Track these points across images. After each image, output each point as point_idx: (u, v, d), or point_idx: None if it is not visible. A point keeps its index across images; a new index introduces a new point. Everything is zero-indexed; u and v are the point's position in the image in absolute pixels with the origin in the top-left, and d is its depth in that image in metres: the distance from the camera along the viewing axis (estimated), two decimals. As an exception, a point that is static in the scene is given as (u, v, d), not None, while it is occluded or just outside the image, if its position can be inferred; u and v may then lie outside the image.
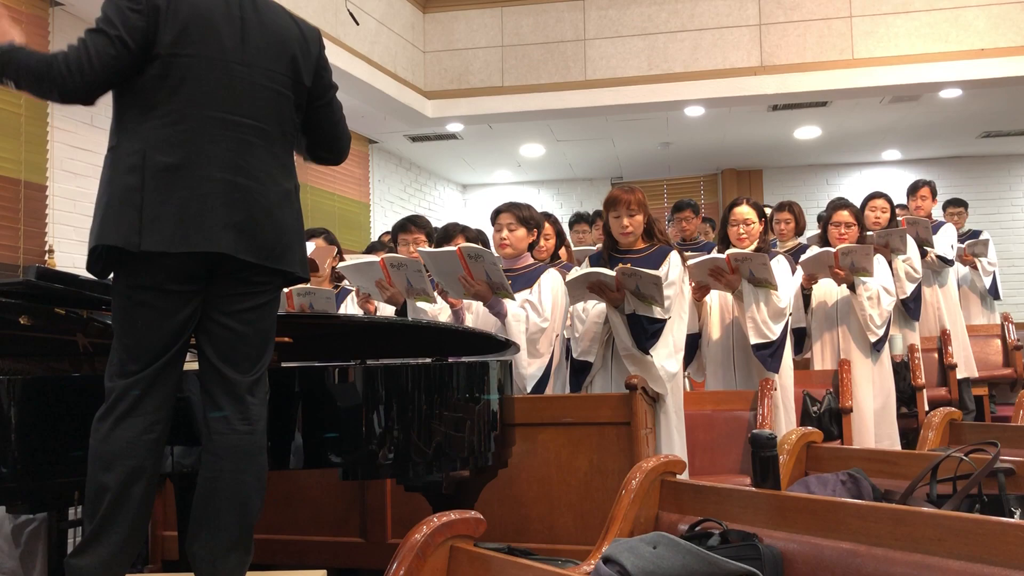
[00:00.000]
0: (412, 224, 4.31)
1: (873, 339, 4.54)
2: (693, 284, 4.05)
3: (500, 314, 3.59)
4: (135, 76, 2.07)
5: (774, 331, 3.99)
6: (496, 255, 3.57)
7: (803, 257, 4.59)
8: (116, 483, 2.00)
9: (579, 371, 3.66)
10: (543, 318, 3.62)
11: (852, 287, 4.53)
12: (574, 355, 3.68)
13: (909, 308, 5.35)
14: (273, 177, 2.15)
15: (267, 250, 2.12)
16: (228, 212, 2.06)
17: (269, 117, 2.16)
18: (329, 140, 2.39)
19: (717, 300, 4.27)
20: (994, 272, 6.60)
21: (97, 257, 2.06)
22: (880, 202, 5.30)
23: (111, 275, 2.11)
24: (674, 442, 3.47)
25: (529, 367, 3.59)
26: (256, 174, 2.11)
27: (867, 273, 4.49)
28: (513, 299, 3.61)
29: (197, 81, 2.07)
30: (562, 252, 4.55)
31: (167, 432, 2.10)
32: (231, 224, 2.06)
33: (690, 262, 4.01)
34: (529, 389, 3.56)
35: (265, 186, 2.13)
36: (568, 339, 3.82)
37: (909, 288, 5.31)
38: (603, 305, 3.54)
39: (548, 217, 4.52)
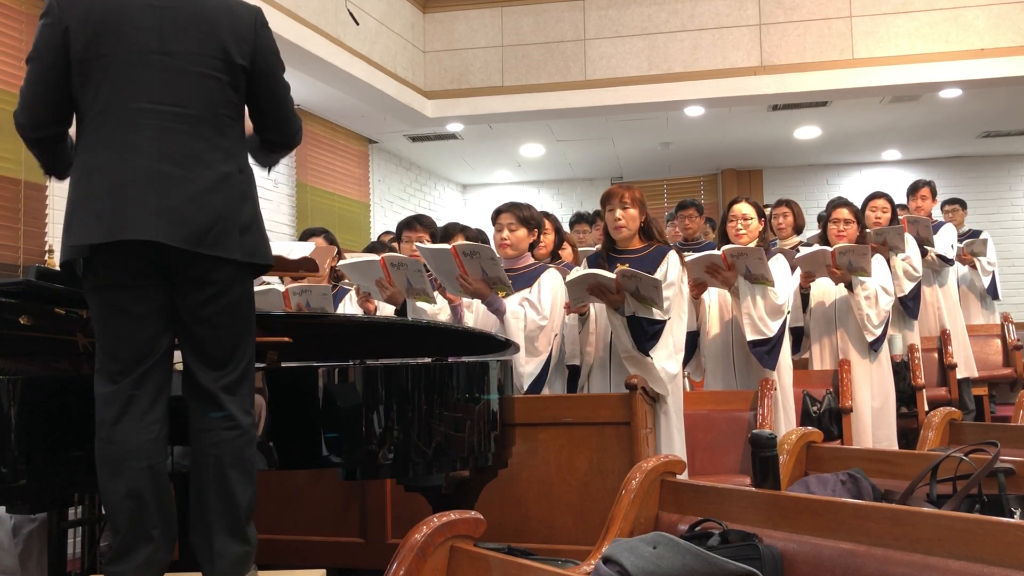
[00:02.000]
0: (418, 223, 4.32)
1: (870, 339, 4.53)
2: (690, 282, 4.06)
3: (498, 311, 3.59)
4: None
5: (771, 327, 3.99)
6: (492, 249, 3.57)
7: (799, 253, 4.60)
8: (126, 487, 2.02)
9: (572, 377, 3.73)
10: (542, 316, 3.62)
11: (850, 286, 4.53)
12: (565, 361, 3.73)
13: (908, 307, 5.35)
14: (204, 162, 2.10)
15: (199, 236, 2.07)
16: (153, 200, 2.04)
17: (195, 101, 2.11)
18: (271, 120, 2.31)
19: (716, 298, 4.27)
20: (993, 272, 6.60)
21: (69, 270, 2.14)
22: (881, 202, 5.30)
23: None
24: (674, 442, 3.47)
25: (526, 365, 3.58)
26: (182, 160, 2.08)
27: (864, 272, 4.48)
28: (512, 291, 3.61)
29: (116, 78, 2.06)
30: (565, 252, 4.55)
31: (166, 431, 2.11)
32: (157, 211, 2.03)
33: (687, 259, 4.02)
34: (526, 387, 3.56)
35: (194, 171, 2.09)
36: (568, 339, 3.83)
37: (908, 287, 5.31)
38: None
39: (547, 215, 4.52)
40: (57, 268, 2.29)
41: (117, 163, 2.05)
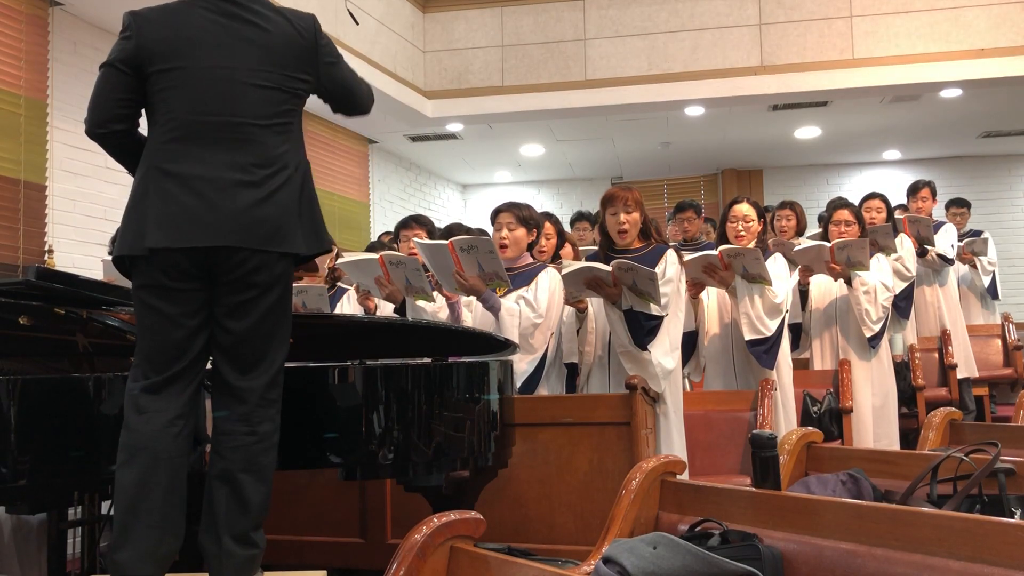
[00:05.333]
0: (415, 221, 4.35)
1: (868, 334, 4.52)
2: (688, 281, 4.05)
3: (493, 308, 3.58)
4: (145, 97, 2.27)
5: (769, 327, 3.99)
6: (491, 241, 3.56)
7: (797, 248, 4.60)
8: (138, 475, 2.07)
9: (570, 375, 3.72)
10: (537, 313, 3.61)
11: (849, 281, 4.53)
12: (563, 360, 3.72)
13: (899, 307, 5.35)
14: (267, 167, 2.22)
15: (268, 236, 2.18)
16: (224, 206, 2.15)
17: (258, 111, 2.24)
18: (341, 103, 2.49)
19: (715, 299, 4.27)
20: (993, 272, 6.60)
21: (120, 265, 2.23)
22: (875, 202, 5.29)
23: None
24: (673, 442, 3.47)
25: (520, 362, 3.55)
26: (248, 167, 2.19)
27: (863, 267, 4.49)
28: (509, 285, 3.60)
29: (183, 90, 2.21)
30: (564, 251, 4.54)
31: (190, 429, 2.17)
32: (229, 217, 2.15)
33: (684, 259, 4.02)
34: (519, 384, 3.55)
35: (259, 177, 2.20)
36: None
37: (899, 287, 5.30)
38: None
39: (549, 217, 4.52)
40: (56, 268, 2.30)
41: (187, 172, 2.17)
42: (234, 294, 2.18)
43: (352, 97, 2.49)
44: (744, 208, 4.22)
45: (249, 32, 2.26)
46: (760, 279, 3.98)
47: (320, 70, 2.37)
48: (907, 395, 5.13)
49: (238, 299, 2.18)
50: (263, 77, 2.25)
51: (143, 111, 2.30)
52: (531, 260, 3.85)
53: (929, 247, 5.81)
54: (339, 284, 4.48)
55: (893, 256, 5.21)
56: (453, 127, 7.88)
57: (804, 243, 4.79)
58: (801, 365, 4.72)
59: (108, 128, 2.28)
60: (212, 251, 2.15)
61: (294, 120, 2.33)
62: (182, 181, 2.15)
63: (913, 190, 6.18)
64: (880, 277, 4.58)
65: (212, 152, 2.18)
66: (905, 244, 5.38)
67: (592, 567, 1.72)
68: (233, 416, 2.18)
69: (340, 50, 2.52)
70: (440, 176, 9.99)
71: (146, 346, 2.16)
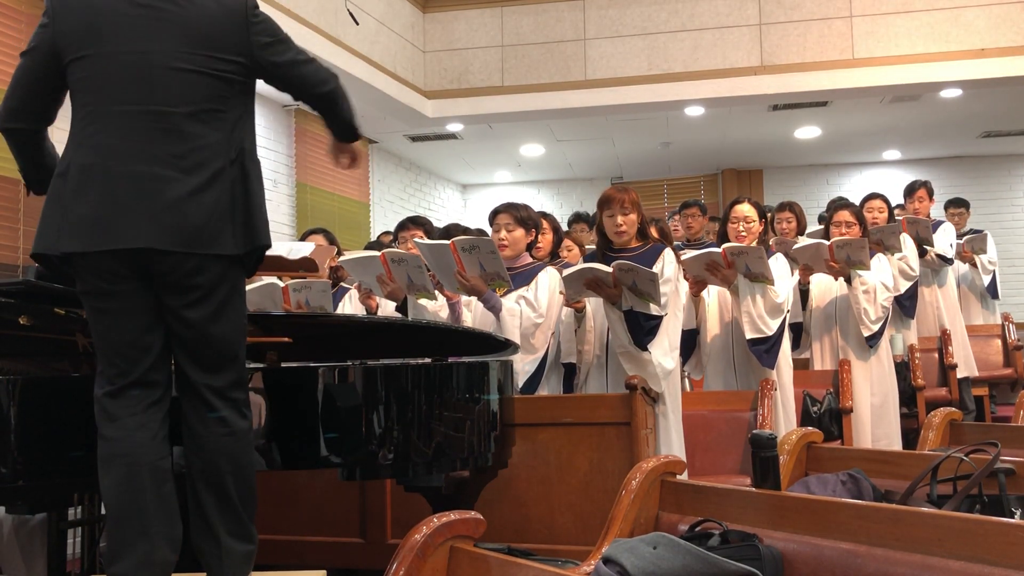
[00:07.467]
0: (412, 223, 4.36)
1: (867, 333, 4.52)
2: (690, 279, 4.06)
3: (494, 308, 3.59)
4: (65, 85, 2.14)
5: (770, 326, 3.99)
6: (492, 242, 3.56)
7: (796, 246, 4.60)
8: (124, 485, 2.01)
9: (568, 375, 3.72)
10: (538, 313, 3.62)
11: (849, 280, 4.53)
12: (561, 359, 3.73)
13: (904, 307, 5.35)
14: (194, 160, 2.08)
15: (192, 237, 2.05)
16: (144, 204, 2.03)
17: (182, 98, 2.09)
18: (299, 93, 2.31)
19: (716, 298, 4.27)
20: (994, 271, 6.59)
21: (47, 266, 2.13)
22: (877, 203, 5.30)
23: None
24: (672, 442, 3.48)
25: (522, 362, 3.57)
26: (171, 161, 2.06)
27: (863, 266, 4.49)
28: (510, 285, 3.61)
29: (103, 79, 2.08)
30: (572, 253, 4.55)
31: (166, 430, 2.10)
32: (148, 216, 2.03)
33: (686, 256, 4.02)
34: (521, 384, 3.56)
35: (183, 171, 2.07)
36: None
37: (904, 286, 5.31)
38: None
39: (545, 216, 4.52)
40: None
41: (107, 167, 2.04)
42: (177, 296, 2.08)
43: (304, 86, 2.28)
44: (745, 208, 4.22)
45: (168, 13, 2.10)
46: (763, 278, 3.98)
47: (253, 51, 2.19)
48: (907, 395, 5.13)
49: (183, 301, 2.08)
50: (184, 60, 2.09)
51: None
52: (530, 260, 3.85)
53: (928, 247, 5.81)
54: (341, 284, 4.48)
55: (897, 256, 5.21)
56: (453, 127, 7.88)
57: (804, 241, 4.79)
58: (801, 365, 4.71)
59: (17, 123, 2.17)
60: (137, 252, 2.03)
61: (228, 108, 2.16)
62: (98, 177, 2.03)
63: (910, 191, 6.17)
64: (880, 277, 4.58)
65: (130, 144, 2.04)
66: (907, 243, 5.38)
67: (592, 567, 1.72)
68: (208, 415, 2.11)
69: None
70: (440, 176, 9.99)
71: (104, 350, 2.07)
